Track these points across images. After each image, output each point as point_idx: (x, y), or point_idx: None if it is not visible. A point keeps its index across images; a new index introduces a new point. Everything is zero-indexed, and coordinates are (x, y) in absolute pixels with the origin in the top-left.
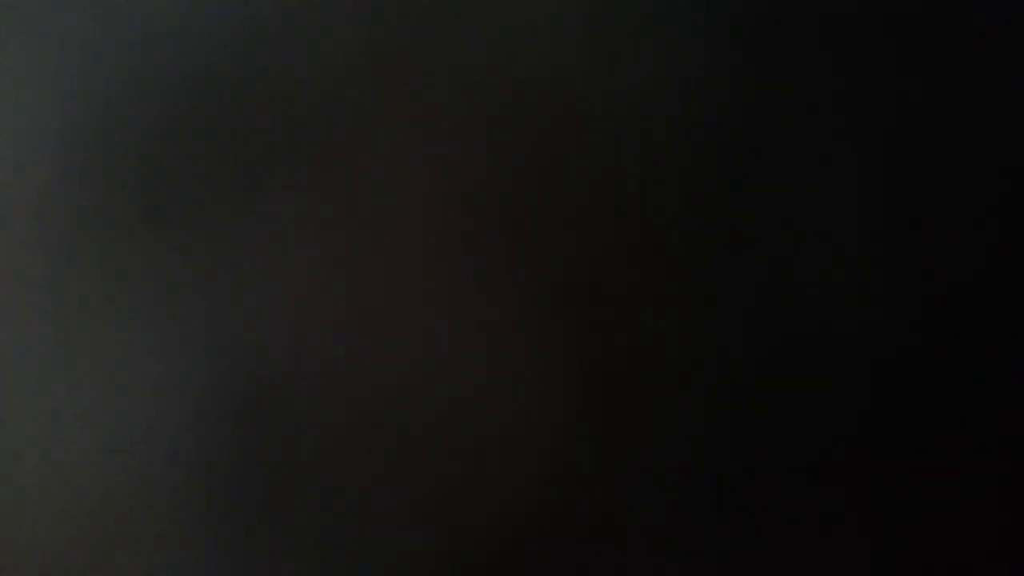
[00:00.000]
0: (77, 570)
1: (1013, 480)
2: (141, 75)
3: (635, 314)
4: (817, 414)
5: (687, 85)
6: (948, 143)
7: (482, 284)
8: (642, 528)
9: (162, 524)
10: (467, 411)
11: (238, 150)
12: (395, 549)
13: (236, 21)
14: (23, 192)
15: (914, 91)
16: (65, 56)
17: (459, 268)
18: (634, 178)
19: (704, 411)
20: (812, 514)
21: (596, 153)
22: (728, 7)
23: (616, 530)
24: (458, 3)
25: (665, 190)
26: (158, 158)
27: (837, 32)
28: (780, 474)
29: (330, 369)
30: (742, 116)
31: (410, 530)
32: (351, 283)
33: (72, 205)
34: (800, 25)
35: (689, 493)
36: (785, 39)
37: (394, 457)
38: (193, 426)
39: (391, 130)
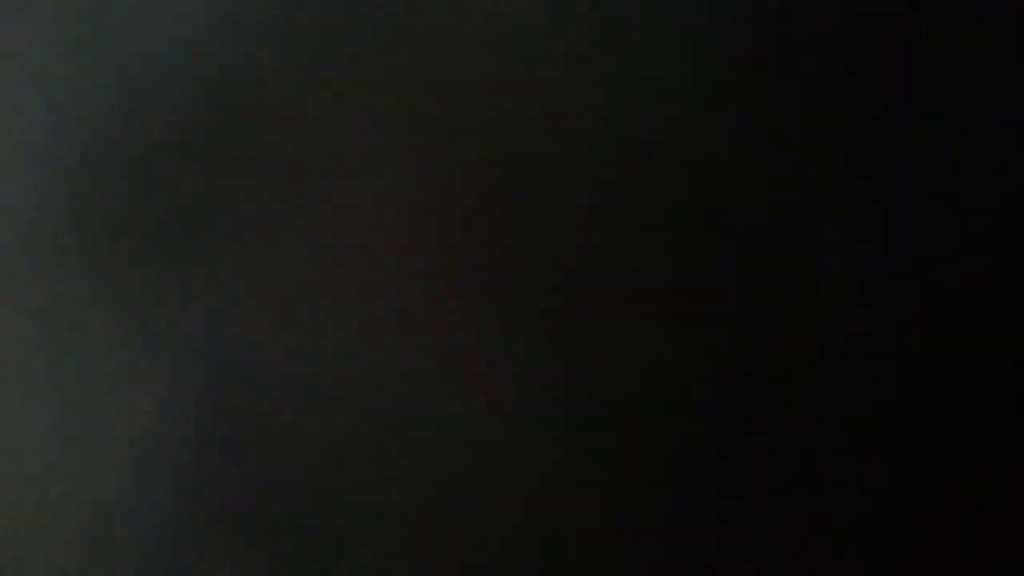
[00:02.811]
0: None
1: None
2: (133, 99)
3: (630, 326)
4: (815, 433)
5: (681, 94)
6: (951, 153)
7: (476, 303)
8: (635, 542)
9: (155, 545)
10: (461, 430)
11: (231, 172)
12: (390, 568)
13: (226, 42)
14: (15, 217)
15: (917, 101)
16: (56, 81)
17: (452, 286)
18: (630, 191)
19: (698, 425)
20: (814, 538)
21: (590, 168)
22: (722, 15)
23: (610, 544)
24: (450, 19)
25: (661, 202)
26: (151, 181)
27: (834, 43)
28: (778, 490)
29: (323, 389)
30: (738, 127)
31: (404, 549)
32: (344, 302)
33: (64, 231)
34: (797, 33)
35: (683, 506)
36: (780, 48)
37: (388, 475)
38: (186, 447)
39: (383, 150)
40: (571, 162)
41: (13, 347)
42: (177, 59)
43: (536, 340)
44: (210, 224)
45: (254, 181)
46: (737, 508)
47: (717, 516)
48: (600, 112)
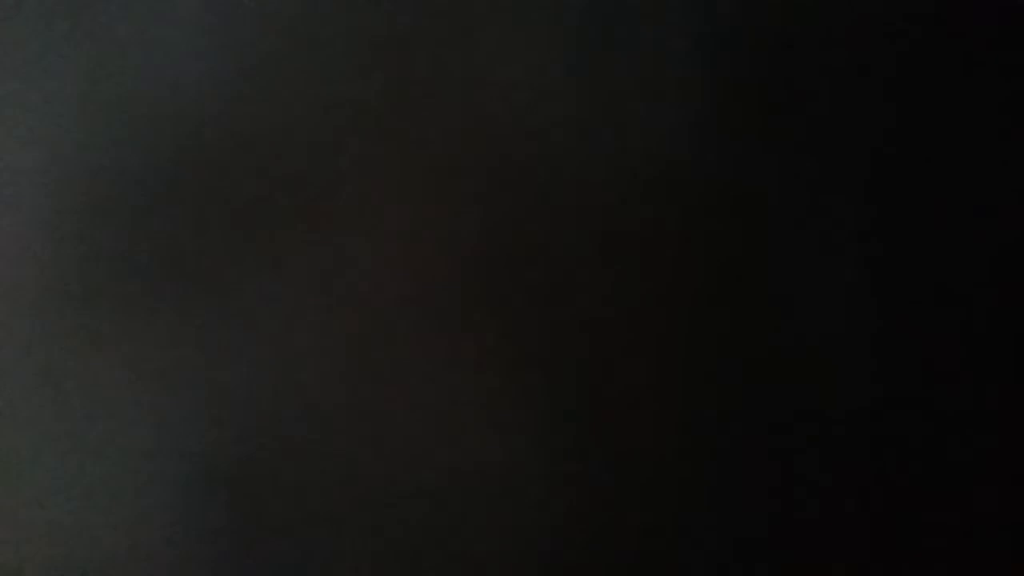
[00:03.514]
0: None
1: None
2: (129, 145)
3: (632, 388)
4: (811, 489)
5: (679, 157)
6: (951, 196)
7: (478, 351)
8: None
9: None
10: (463, 482)
11: (227, 216)
12: None
13: (222, 91)
14: (11, 264)
15: (915, 157)
16: (50, 132)
17: (453, 335)
18: (626, 247)
19: (698, 487)
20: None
21: (589, 222)
22: (717, 77)
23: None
24: (446, 73)
25: (657, 260)
26: (149, 224)
27: (831, 103)
28: (768, 546)
29: (324, 435)
30: (735, 187)
31: None
32: (343, 348)
33: (62, 268)
34: (794, 90)
35: (676, 542)
36: (778, 106)
37: (388, 525)
38: (184, 494)
39: (379, 196)
40: (575, 223)
41: (7, 393)
42: (170, 105)
43: (535, 382)
44: (209, 268)
45: (255, 227)
46: (729, 552)
47: (708, 555)
48: (600, 175)
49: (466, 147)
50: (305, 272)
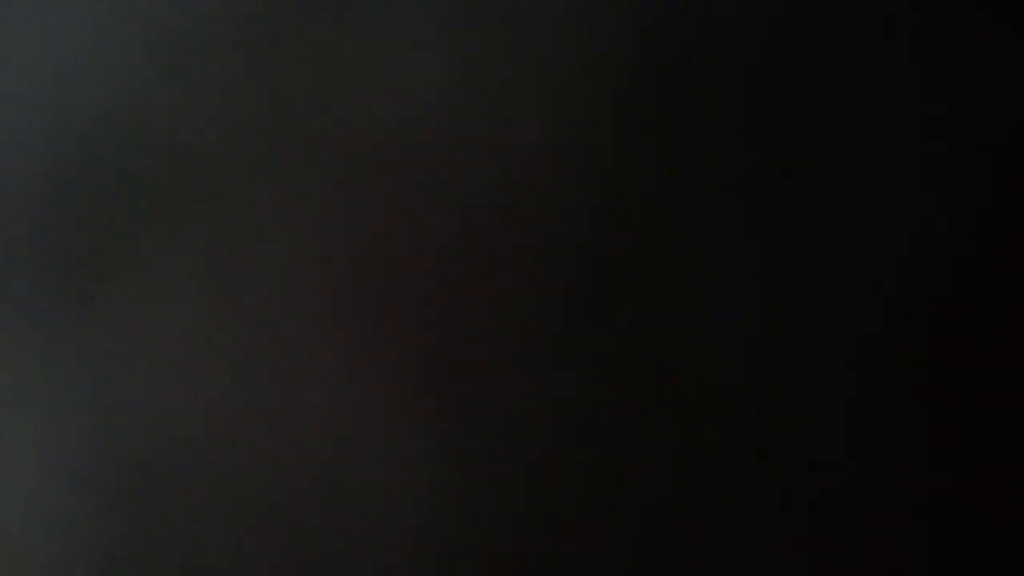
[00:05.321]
0: None
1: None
2: (12, 148)
3: (517, 388)
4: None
5: (570, 155)
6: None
7: (360, 353)
8: None
9: None
10: (343, 485)
11: (111, 219)
12: None
13: (106, 92)
14: None
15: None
16: None
17: (333, 338)
18: (514, 245)
19: (591, 490)
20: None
21: (476, 221)
22: (611, 74)
23: None
24: (332, 72)
25: (544, 259)
26: (33, 227)
27: (726, 100)
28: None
29: (208, 441)
30: (625, 186)
31: None
32: (230, 355)
33: None
34: (687, 87)
35: (574, 549)
36: (670, 105)
37: (271, 531)
38: (71, 497)
39: (267, 198)
40: (455, 201)
41: None
42: (55, 109)
43: (429, 412)
44: (99, 272)
45: (145, 232)
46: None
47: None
48: (484, 149)
49: (352, 146)
50: (189, 272)
